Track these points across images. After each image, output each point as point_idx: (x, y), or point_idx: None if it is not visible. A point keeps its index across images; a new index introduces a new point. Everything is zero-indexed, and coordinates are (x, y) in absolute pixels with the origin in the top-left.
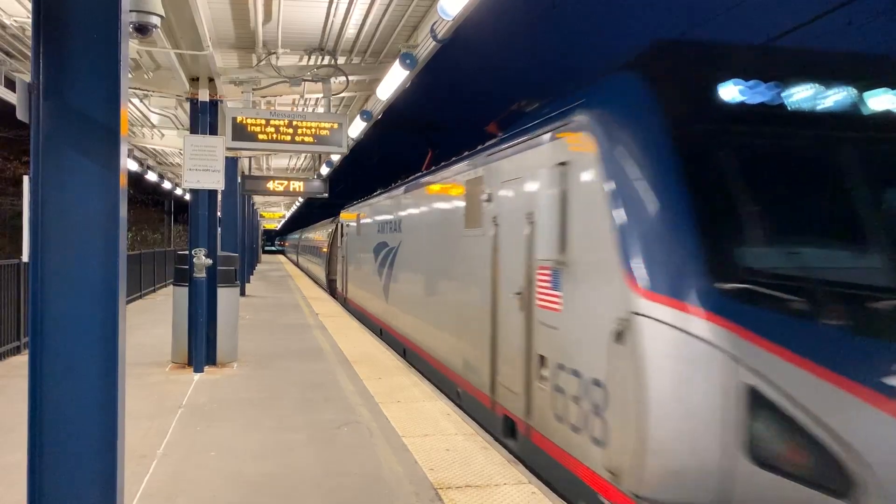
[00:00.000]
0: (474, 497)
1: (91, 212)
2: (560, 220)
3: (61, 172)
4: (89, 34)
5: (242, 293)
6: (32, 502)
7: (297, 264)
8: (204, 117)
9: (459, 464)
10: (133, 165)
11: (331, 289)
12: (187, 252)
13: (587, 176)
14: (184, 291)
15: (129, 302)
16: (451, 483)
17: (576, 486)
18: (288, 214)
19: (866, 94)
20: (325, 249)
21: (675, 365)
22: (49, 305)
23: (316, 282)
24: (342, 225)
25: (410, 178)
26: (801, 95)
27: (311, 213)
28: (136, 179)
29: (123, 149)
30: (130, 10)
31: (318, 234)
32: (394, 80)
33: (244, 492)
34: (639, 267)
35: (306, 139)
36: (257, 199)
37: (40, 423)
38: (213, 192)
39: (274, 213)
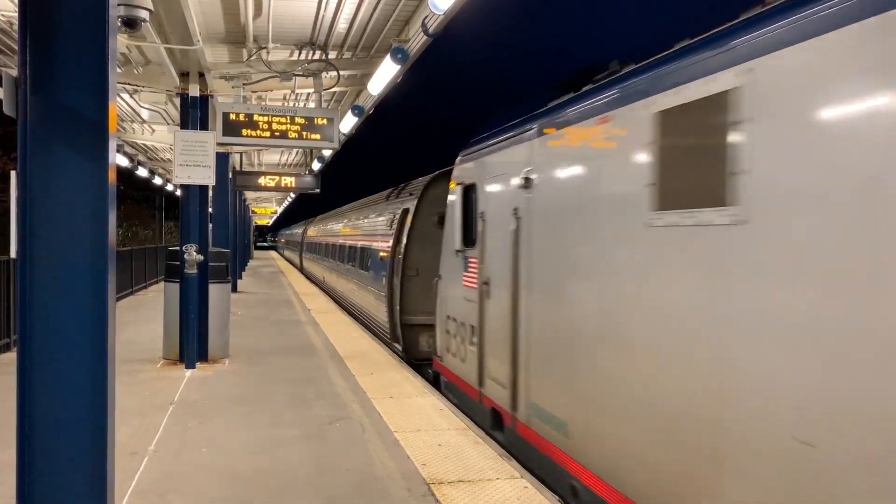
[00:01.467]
0: (466, 492)
1: (79, 207)
2: None
3: (49, 168)
4: (77, 28)
5: (234, 289)
6: (22, 500)
7: (300, 269)
8: (194, 112)
9: (452, 459)
10: (123, 161)
11: (407, 347)
12: (178, 248)
13: None
14: (175, 288)
15: (120, 298)
16: (443, 478)
17: None
18: (280, 210)
19: None
20: (384, 254)
21: None
22: (37, 302)
23: (353, 314)
24: (482, 190)
25: None
26: None
27: (303, 207)
28: (126, 175)
29: (112, 144)
30: (118, 4)
31: (361, 221)
32: (385, 74)
33: (236, 488)
34: None
35: (297, 134)
36: (249, 194)
37: (30, 421)
38: (203, 188)
39: (266, 209)
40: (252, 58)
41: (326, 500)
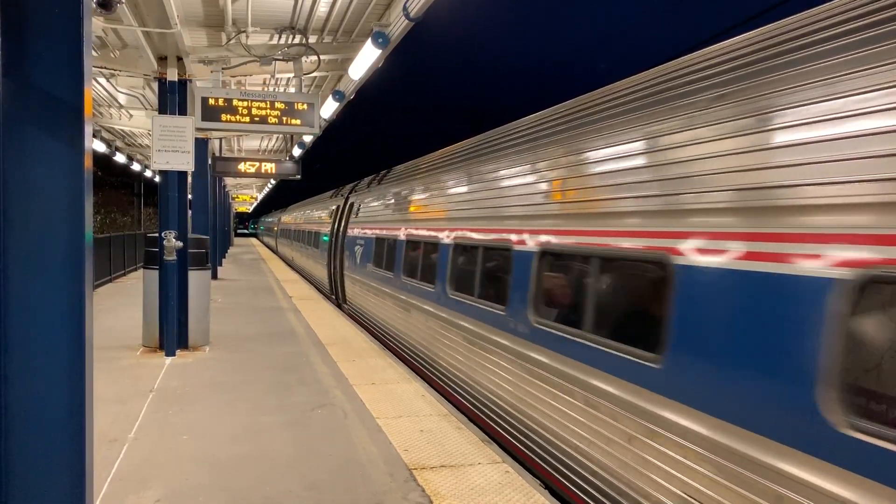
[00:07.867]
0: (449, 477)
1: (55, 194)
2: None
3: (24, 153)
4: (51, 9)
5: (214, 276)
6: None
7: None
8: (172, 97)
9: (434, 444)
10: (101, 147)
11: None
12: (157, 235)
13: None
14: (154, 275)
15: (99, 286)
16: (425, 463)
17: None
18: (260, 197)
19: None
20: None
21: None
22: (12, 290)
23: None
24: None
25: None
26: None
27: (283, 194)
28: (104, 161)
29: (88, 129)
30: None
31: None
32: (366, 59)
33: (217, 475)
34: None
35: (277, 120)
36: (229, 181)
37: (5, 409)
38: (182, 174)
39: (246, 196)
40: (231, 41)
41: (308, 485)
